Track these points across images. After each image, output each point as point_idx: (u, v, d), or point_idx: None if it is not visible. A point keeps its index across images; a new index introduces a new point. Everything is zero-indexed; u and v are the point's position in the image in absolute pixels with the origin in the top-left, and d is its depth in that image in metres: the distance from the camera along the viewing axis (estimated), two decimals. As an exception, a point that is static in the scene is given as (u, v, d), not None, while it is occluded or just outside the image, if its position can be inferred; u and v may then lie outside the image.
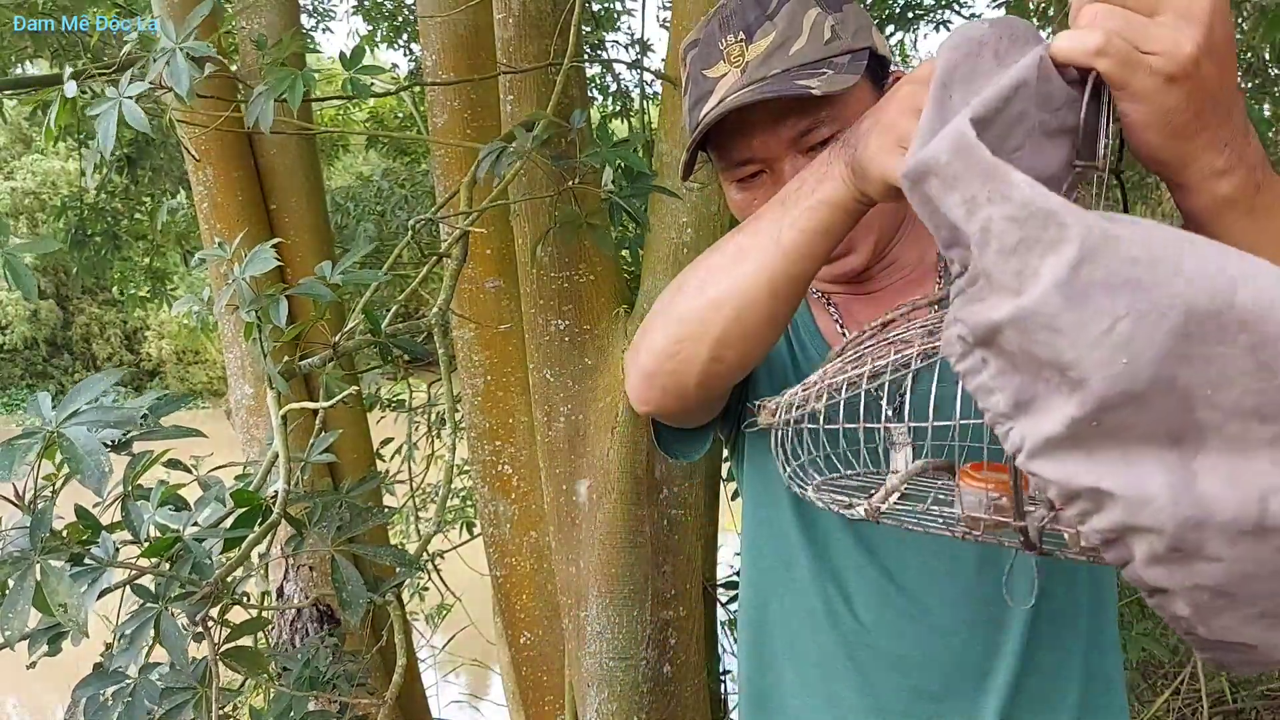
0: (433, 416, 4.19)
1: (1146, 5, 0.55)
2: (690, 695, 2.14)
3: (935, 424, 0.66)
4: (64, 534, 0.86)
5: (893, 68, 0.94)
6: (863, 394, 0.71)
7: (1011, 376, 0.52)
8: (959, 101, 0.60)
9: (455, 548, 3.89)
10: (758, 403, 0.84)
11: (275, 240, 1.28)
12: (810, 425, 0.75)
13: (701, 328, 0.80)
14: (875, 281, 1.01)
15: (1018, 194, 0.50)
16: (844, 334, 1.01)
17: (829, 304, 1.05)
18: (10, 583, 0.78)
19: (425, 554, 1.42)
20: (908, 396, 0.81)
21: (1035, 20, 5.85)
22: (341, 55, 1.52)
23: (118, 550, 0.93)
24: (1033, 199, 0.50)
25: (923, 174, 0.55)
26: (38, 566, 0.78)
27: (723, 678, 3.47)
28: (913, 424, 0.71)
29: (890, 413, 0.85)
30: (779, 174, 0.92)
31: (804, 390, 0.76)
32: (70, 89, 1.38)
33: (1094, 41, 0.55)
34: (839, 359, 0.76)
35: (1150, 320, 0.47)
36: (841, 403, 0.72)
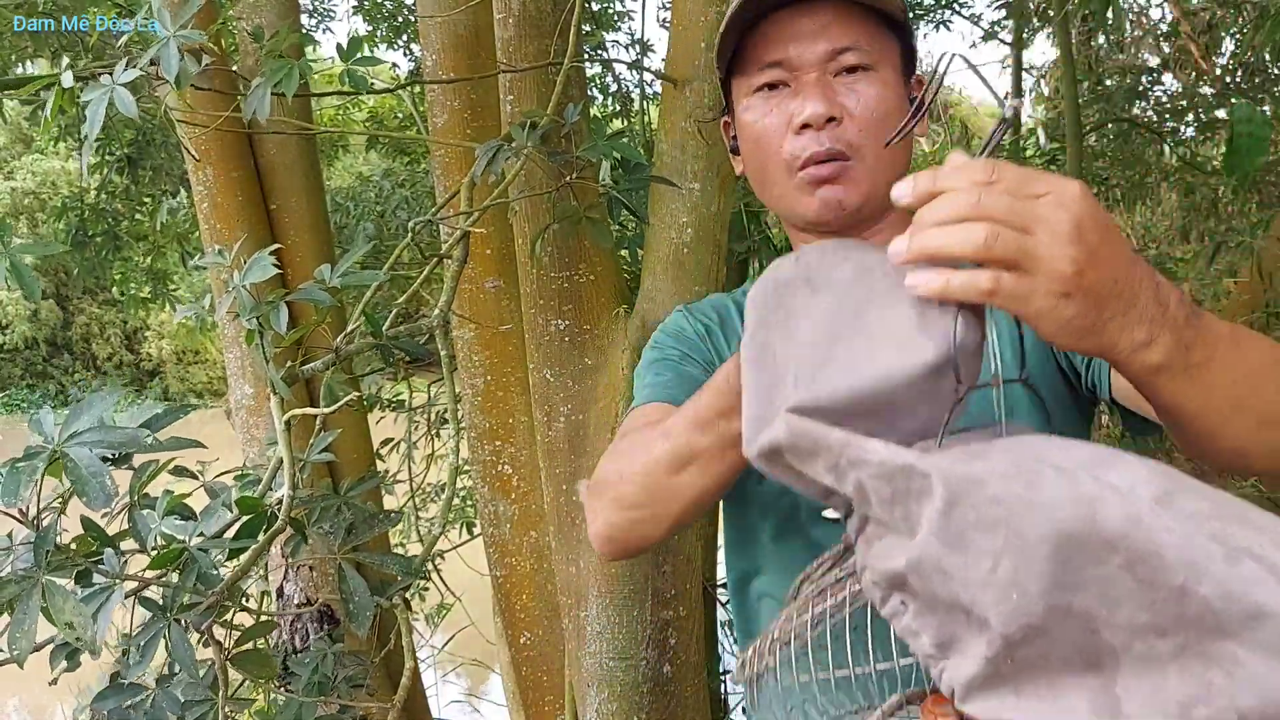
0: (432, 416, 4.19)
1: (1021, 223, 0.56)
2: (690, 695, 2.14)
3: (900, 662, 0.66)
4: (71, 548, 0.86)
5: (919, 74, 0.95)
6: (827, 632, 0.69)
7: (929, 618, 0.53)
8: (783, 354, 0.63)
9: (455, 548, 3.89)
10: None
11: (275, 246, 1.28)
12: (779, 672, 0.72)
13: (651, 510, 0.85)
14: (865, 226, 0.96)
15: (873, 456, 0.53)
16: None
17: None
18: (19, 599, 0.77)
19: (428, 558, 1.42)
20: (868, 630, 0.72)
21: (1035, 21, 5.85)
22: (339, 47, 1.52)
23: (125, 563, 0.93)
24: (888, 459, 0.52)
25: (773, 454, 0.58)
26: (42, 585, 0.78)
27: (723, 677, 3.48)
28: (879, 666, 0.69)
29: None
30: (801, 87, 0.90)
31: (770, 640, 0.73)
32: (67, 79, 1.37)
33: (985, 284, 0.57)
34: (794, 602, 0.73)
35: (1027, 554, 0.49)
36: (810, 646, 0.70)
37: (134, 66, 1.31)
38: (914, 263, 0.59)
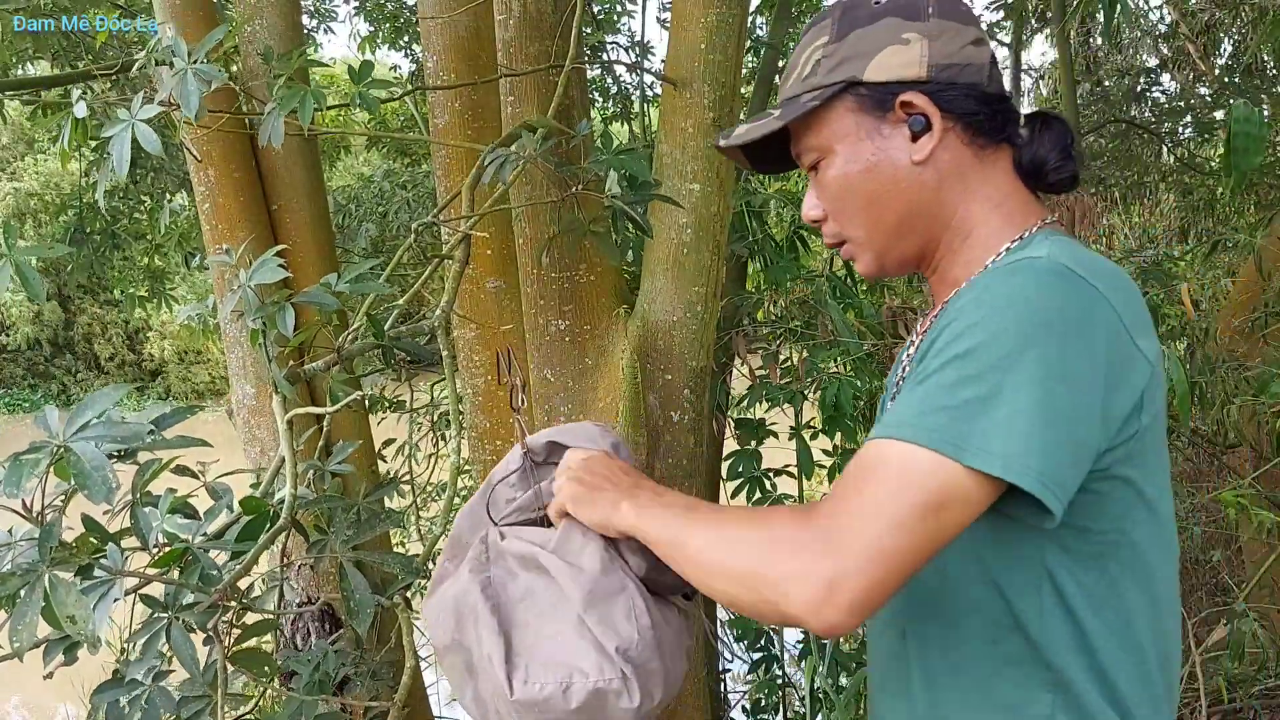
0: (435, 416, 4.20)
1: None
2: (690, 695, 2.15)
3: None
4: (73, 545, 0.87)
5: (906, 96, 0.93)
6: None
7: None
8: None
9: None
10: None
11: (280, 247, 1.29)
12: None
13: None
14: (924, 262, 1.04)
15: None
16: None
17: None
18: (20, 594, 0.78)
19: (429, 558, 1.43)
20: None
21: (1034, 21, 5.86)
22: (350, 70, 1.52)
23: (127, 559, 0.94)
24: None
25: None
26: (46, 579, 0.79)
27: (722, 677, 3.48)
28: None
29: None
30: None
31: None
32: (80, 110, 1.39)
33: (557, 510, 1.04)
34: None
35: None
36: None
37: (150, 101, 1.32)
38: None
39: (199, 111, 1.30)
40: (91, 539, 0.90)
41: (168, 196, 4.45)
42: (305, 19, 5.04)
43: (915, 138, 0.93)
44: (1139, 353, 0.81)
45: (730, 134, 1.01)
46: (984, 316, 0.78)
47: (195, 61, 1.30)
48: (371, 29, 5.71)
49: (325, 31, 5.82)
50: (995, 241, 0.93)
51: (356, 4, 5.71)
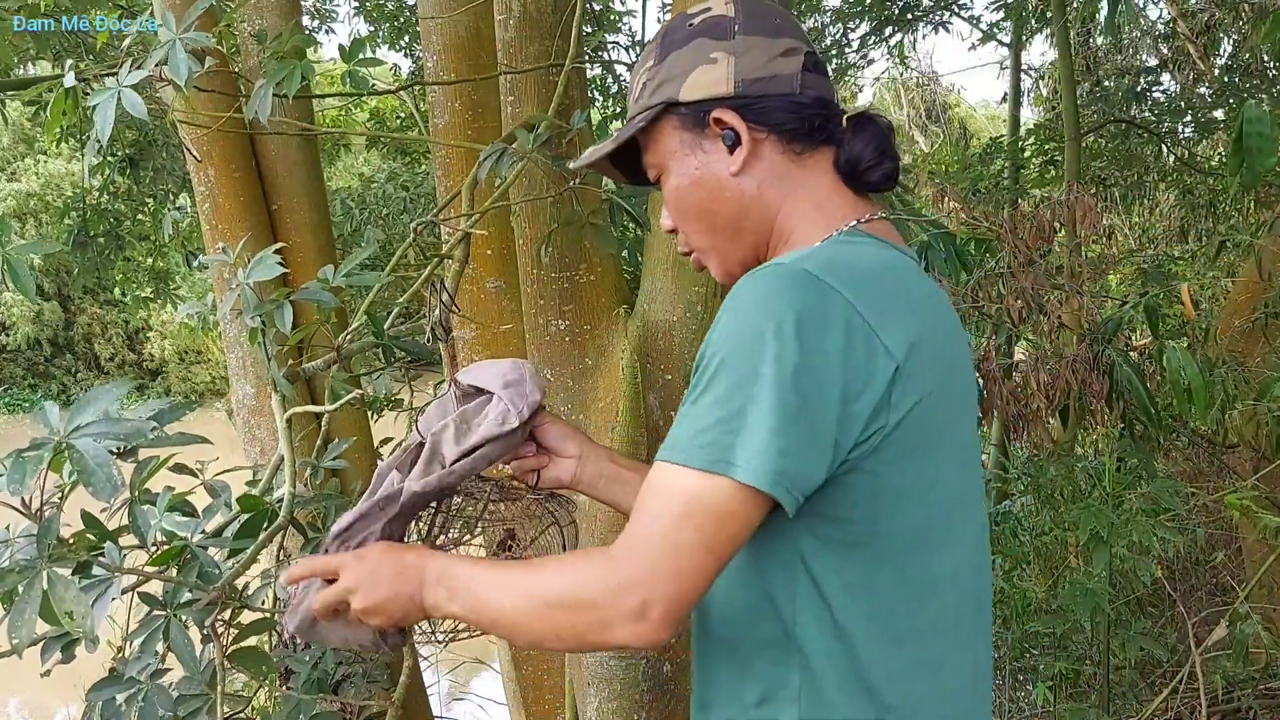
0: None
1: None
2: (690, 694, 2.15)
3: None
4: (71, 542, 0.87)
5: (716, 113, 0.97)
6: None
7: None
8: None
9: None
10: None
11: (278, 245, 1.29)
12: None
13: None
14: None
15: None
16: None
17: None
18: (19, 590, 0.78)
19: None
20: None
21: (1034, 22, 5.86)
22: (341, 48, 1.53)
23: (125, 557, 0.93)
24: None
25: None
26: (45, 575, 0.79)
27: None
28: None
29: None
30: None
31: None
32: (69, 80, 1.38)
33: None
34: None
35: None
36: None
37: (140, 68, 1.32)
38: None
39: (188, 82, 1.29)
40: (90, 535, 0.90)
41: (169, 202, 4.45)
42: (305, 19, 5.04)
43: (731, 150, 0.98)
44: (882, 349, 0.84)
45: (581, 156, 1.09)
46: (725, 331, 0.85)
47: (184, 31, 1.29)
48: (371, 29, 5.72)
49: (326, 31, 5.83)
50: (812, 241, 0.98)
51: (356, 4, 5.72)
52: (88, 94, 1.59)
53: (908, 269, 0.94)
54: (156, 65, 1.31)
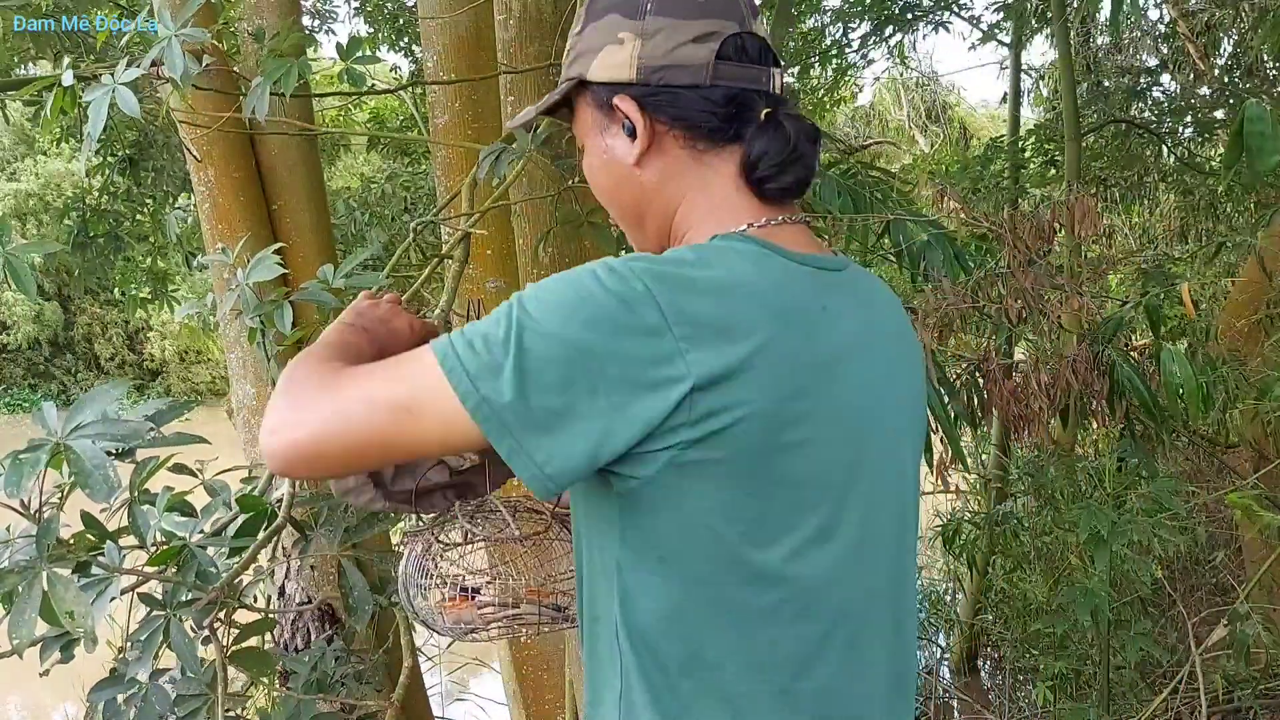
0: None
1: None
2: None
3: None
4: (71, 542, 0.87)
5: (617, 99, 0.90)
6: None
7: None
8: None
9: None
10: None
11: (278, 245, 1.29)
12: None
13: None
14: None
15: None
16: None
17: None
18: (19, 590, 0.78)
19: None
20: None
21: (1034, 22, 5.85)
22: (339, 46, 1.53)
23: (124, 557, 0.93)
24: None
25: None
26: (44, 575, 0.79)
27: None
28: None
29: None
30: None
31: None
32: (67, 78, 1.38)
33: None
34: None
35: None
36: None
37: (136, 65, 1.32)
38: None
39: (185, 78, 1.29)
40: (89, 535, 0.90)
41: (170, 203, 4.45)
42: (305, 20, 5.04)
43: (632, 140, 0.91)
44: (681, 360, 0.75)
45: (515, 117, 1.05)
46: (542, 282, 0.81)
47: (181, 27, 1.29)
48: (371, 29, 5.72)
49: (326, 32, 5.83)
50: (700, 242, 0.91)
51: (356, 4, 5.72)
52: (84, 88, 1.59)
53: (796, 278, 0.84)
54: (153, 63, 1.31)
